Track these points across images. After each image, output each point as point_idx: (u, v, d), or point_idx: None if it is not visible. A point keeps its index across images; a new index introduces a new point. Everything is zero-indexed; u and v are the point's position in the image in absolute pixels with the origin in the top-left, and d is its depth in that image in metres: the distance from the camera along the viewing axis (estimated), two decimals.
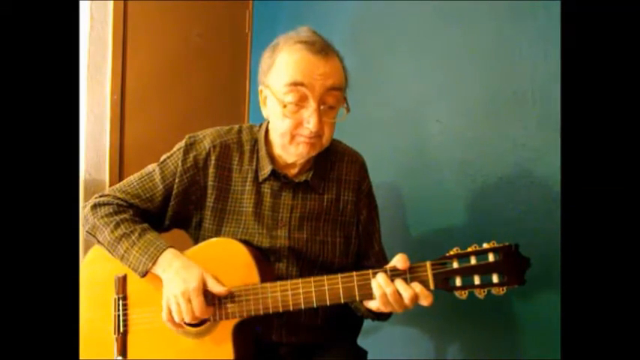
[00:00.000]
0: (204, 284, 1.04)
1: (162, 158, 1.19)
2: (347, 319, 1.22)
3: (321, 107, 1.06)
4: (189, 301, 1.02)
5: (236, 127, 1.22)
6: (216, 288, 1.04)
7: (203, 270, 1.05)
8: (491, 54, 1.45)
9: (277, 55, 1.09)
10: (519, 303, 1.38)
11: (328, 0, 1.93)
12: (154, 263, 1.06)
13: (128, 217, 1.12)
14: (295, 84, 1.05)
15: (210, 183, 1.16)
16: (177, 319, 1.04)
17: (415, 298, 0.96)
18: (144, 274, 1.07)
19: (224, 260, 1.08)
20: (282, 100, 1.06)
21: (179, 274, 1.04)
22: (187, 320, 1.04)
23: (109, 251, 1.11)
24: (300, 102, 1.06)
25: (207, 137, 1.18)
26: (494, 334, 1.45)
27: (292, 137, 1.08)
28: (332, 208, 1.18)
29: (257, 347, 1.12)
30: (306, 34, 1.09)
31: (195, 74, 2.14)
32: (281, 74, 1.07)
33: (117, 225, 1.10)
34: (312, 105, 1.05)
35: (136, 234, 1.09)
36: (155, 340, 1.10)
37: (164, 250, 1.07)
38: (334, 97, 1.07)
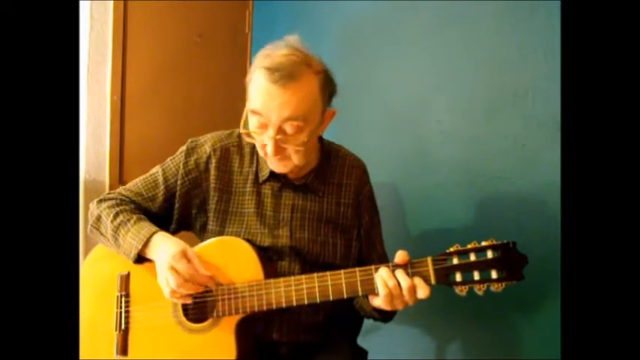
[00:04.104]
0: (187, 255, 1.03)
1: (166, 161, 1.22)
2: (347, 318, 1.22)
3: (278, 137, 1.04)
4: (173, 269, 1.02)
5: (237, 130, 1.24)
6: (199, 268, 1.03)
7: (188, 246, 1.06)
8: (492, 54, 1.45)
9: (252, 73, 1.08)
10: (519, 303, 1.38)
11: (328, 0, 1.92)
12: (144, 245, 1.07)
13: (128, 208, 1.16)
14: (254, 112, 1.06)
15: (212, 185, 1.18)
16: (173, 286, 1.02)
17: (413, 288, 0.97)
18: (136, 258, 1.08)
19: (229, 258, 1.09)
20: (247, 122, 1.08)
21: (166, 251, 1.04)
22: (175, 287, 1.02)
23: (111, 242, 1.13)
24: (260, 128, 1.06)
25: (208, 141, 1.22)
26: (495, 334, 1.45)
27: (265, 154, 1.09)
28: (332, 211, 1.19)
29: (258, 346, 1.13)
30: (278, 56, 1.04)
31: (195, 74, 2.14)
32: (249, 96, 1.08)
33: (116, 215, 1.13)
34: (269, 133, 1.05)
35: (132, 221, 1.11)
36: (156, 337, 1.10)
37: (155, 232, 1.08)
38: (293, 127, 1.04)
